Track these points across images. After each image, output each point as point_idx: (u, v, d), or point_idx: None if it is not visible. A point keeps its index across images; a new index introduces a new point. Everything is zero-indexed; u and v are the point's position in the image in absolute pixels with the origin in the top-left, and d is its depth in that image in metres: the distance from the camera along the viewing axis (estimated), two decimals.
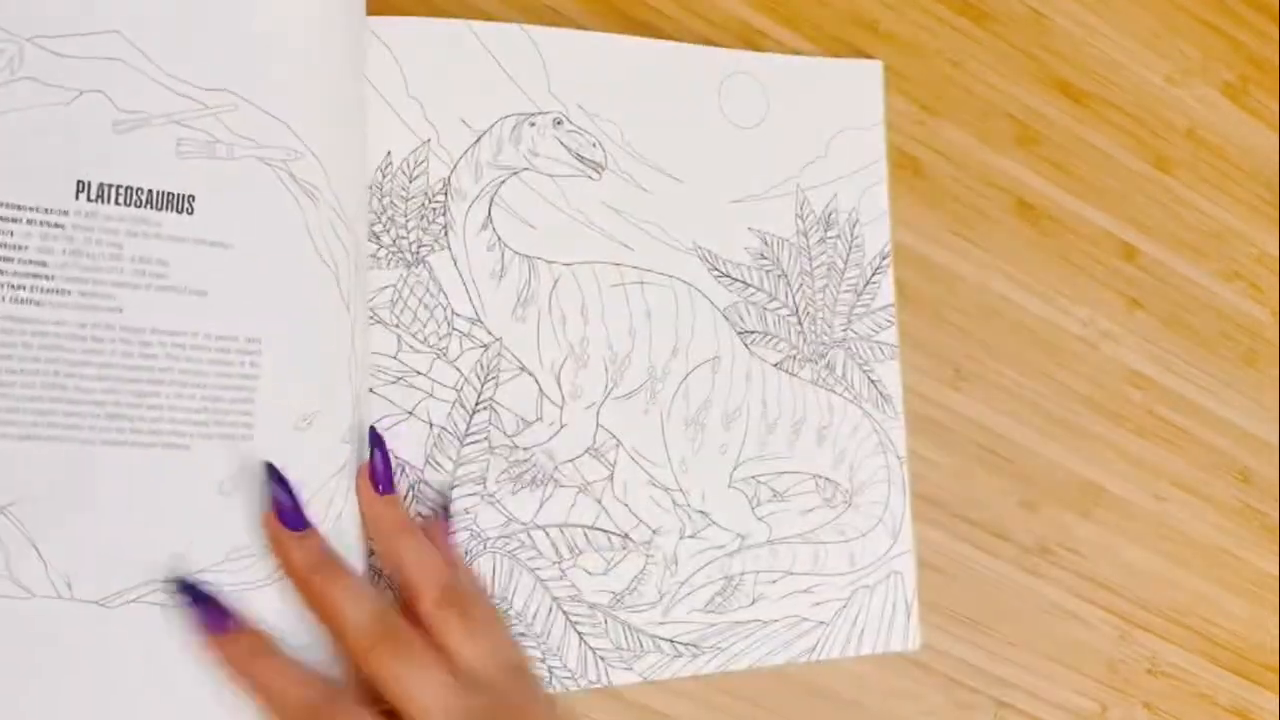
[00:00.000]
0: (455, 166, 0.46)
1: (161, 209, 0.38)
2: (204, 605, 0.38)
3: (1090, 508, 0.57)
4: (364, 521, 0.41)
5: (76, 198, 0.37)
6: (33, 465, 0.36)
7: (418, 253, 0.45)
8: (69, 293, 0.37)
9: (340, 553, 0.40)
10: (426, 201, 0.45)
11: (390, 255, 0.45)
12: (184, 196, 0.39)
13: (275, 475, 0.39)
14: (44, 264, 0.37)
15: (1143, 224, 0.60)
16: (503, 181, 0.47)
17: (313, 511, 0.40)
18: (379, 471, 0.41)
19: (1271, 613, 0.59)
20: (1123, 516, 0.57)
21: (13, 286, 0.36)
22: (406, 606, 0.40)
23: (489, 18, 0.49)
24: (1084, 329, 0.58)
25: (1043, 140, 0.58)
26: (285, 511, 0.38)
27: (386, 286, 0.44)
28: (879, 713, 0.51)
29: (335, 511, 0.40)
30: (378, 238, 0.45)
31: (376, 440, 0.41)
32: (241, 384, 0.39)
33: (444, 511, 0.44)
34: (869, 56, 0.55)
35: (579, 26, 0.50)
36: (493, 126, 0.47)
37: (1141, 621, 0.57)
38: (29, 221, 0.37)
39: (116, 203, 0.38)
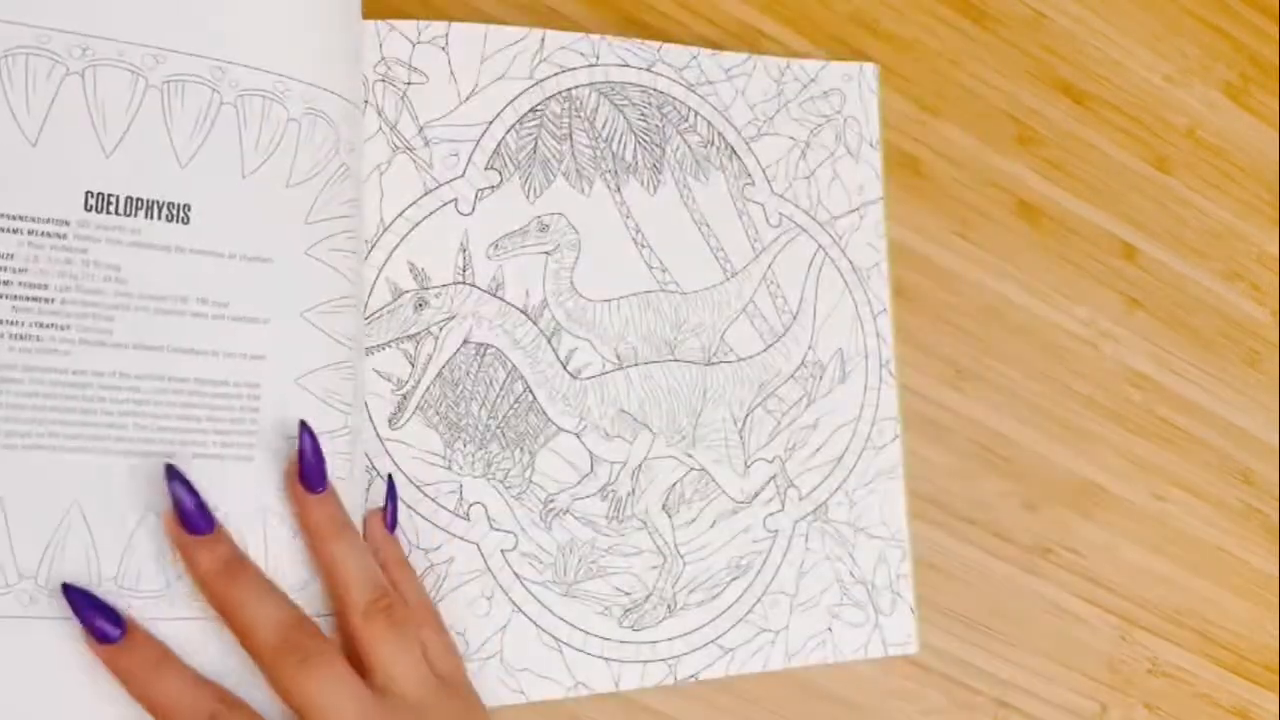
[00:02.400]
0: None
1: (157, 218, 0.38)
2: (94, 613, 0.35)
3: (1090, 508, 0.57)
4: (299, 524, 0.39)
5: (77, 208, 0.37)
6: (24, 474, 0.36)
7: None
8: (68, 302, 0.37)
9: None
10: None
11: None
12: (181, 205, 0.38)
13: (176, 475, 0.36)
14: (44, 286, 0.36)
15: (1143, 224, 0.60)
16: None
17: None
18: (309, 468, 0.38)
19: (1271, 613, 0.59)
20: (1123, 516, 0.57)
21: (12, 297, 0.36)
22: (339, 618, 0.39)
23: (489, 18, 0.49)
24: (1084, 329, 0.58)
25: (1043, 140, 0.58)
26: (189, 514, 0.36)
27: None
28: (879, 713, 0.51)
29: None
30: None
31: (306, 433, 0.38)
32: (244, 403, 0.39)
33: (388, 497, 0.43)
34: (869, 57, 0.55)
35: (579, 27, 0.50)
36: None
37: (1141, 621, 0.57)
38: (29, 233, 0.36)
39: (113, 212, 0.37)
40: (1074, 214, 0.59)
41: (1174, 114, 0.61)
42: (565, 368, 0.47)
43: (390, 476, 0.43)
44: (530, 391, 0.46)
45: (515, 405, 0.46)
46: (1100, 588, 0.56)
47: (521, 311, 0.47)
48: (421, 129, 0.46)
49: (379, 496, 0.44)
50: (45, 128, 0.37)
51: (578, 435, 0.47)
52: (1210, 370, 0.60)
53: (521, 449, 0.46)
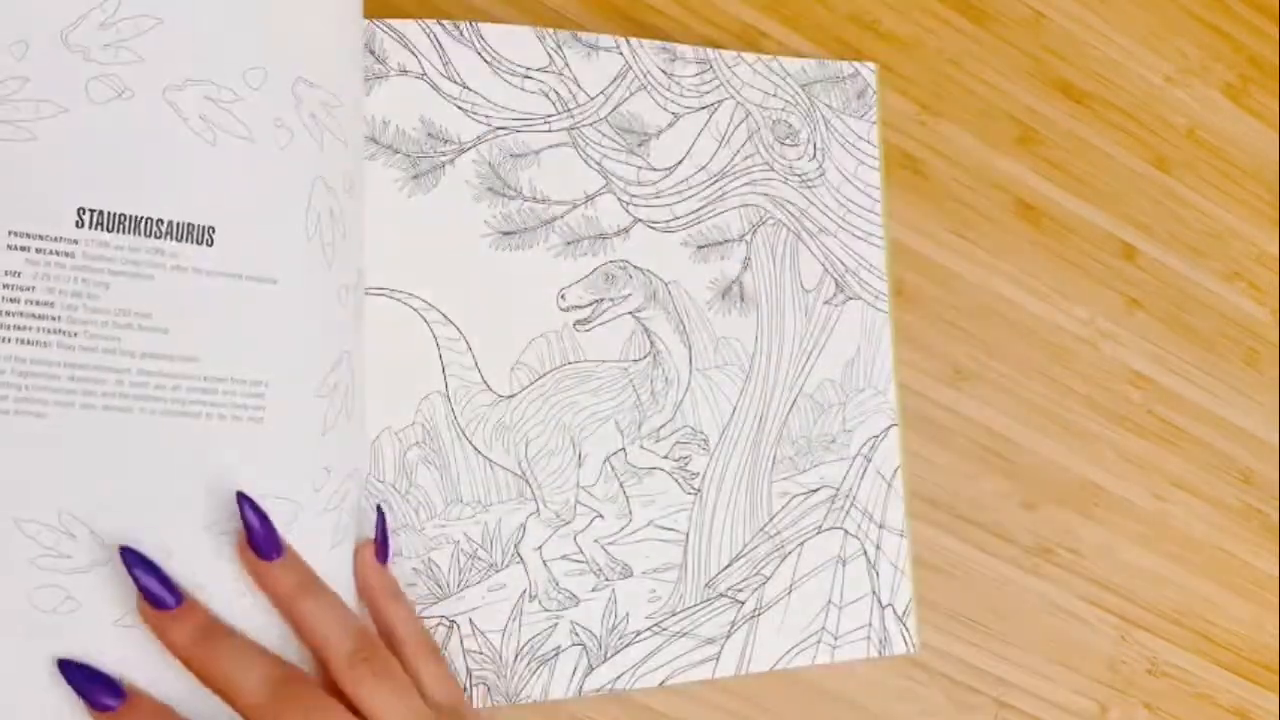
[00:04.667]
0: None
1: (169, 237, 0.38)
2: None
3: (1090, 508, 0.57)
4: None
5: (79, 226, 0.37)
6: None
7: None
8: (74, 334, 0.36)
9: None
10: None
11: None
12: (202, 226, 0.38)
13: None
14: (51, 304, 0.36)
15: (1143, 224, 0.60)
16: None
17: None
18: (261, 539, 0.37)
19: (1271, 613, 0.59)
20: (1123, 516, 0.57)
21: (19, 313, 0.36)
22: (324, 674, 0.38)
23: (489, 18, 0.49)
24: (1084, 329, 0.58)
25: (1043, 140, 0.58)
26: (150, 589, 0.36)
27: None
28: (879, 713, 0.51)
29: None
30: None
31: (246, 503, 0.37)
32: (250, 413, 0.39)
33: (378, 526, 0.42)
34: (869, 57, 0.55)
35: (579, 27, 0.50)
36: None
37: (1141, 621, 0.57)
38: (37, 250, 0.36)
39: (127, 232, 0.37)
40: (1074, 214, 0.59)
41: (1174, 114, 0.61)
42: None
43: (380, 506, 0.43)
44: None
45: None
46: (1100, 588, 0.56)
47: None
48: (420, 129, 0.46)
49: (376, 493, 0.44)
50: (51, 144, 0.37)
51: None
52: (1210, 370, 0.60)
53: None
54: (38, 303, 0.36)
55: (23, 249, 0.36)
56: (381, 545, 0.42)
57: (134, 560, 0.36)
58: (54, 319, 0.36)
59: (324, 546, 0.40)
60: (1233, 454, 0.60)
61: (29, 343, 0.36)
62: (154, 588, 0.36)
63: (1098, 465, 0.57)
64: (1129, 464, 0.58)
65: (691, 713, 0.48)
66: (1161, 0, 0.62)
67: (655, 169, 0.49)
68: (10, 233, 0.36)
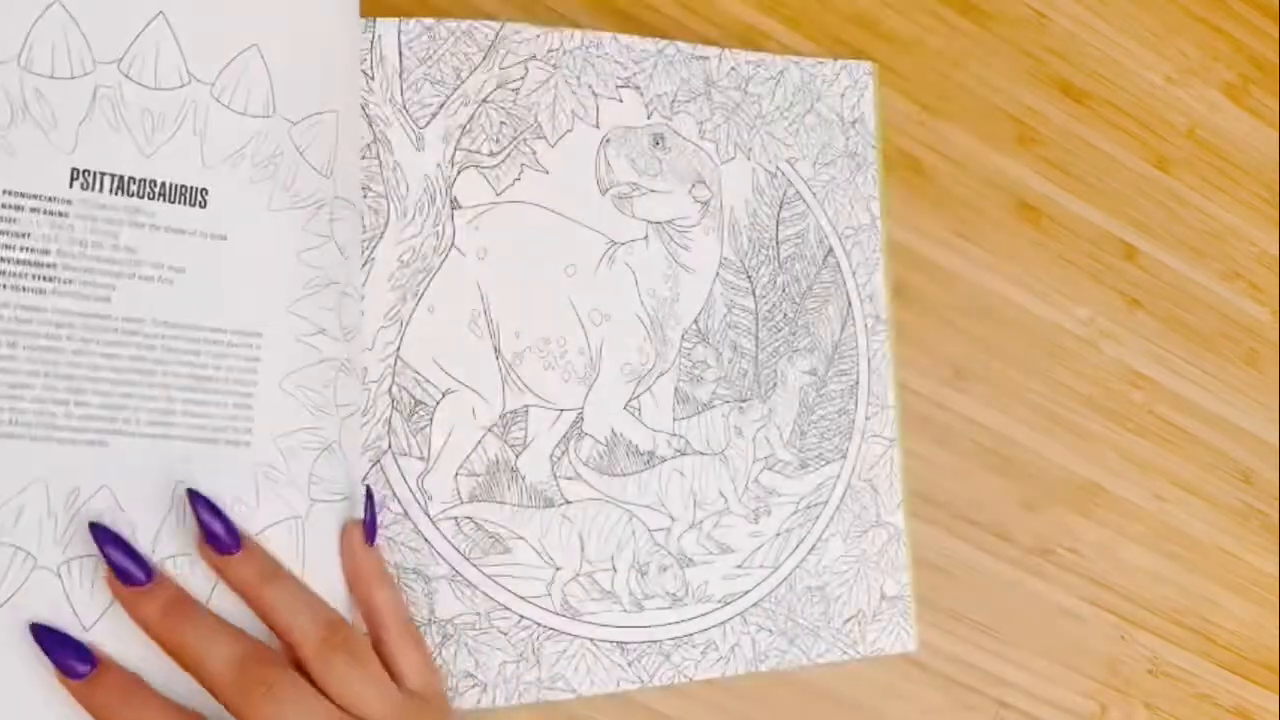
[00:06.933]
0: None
1: (174, 201, 0.38)
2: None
3: (1090, 508, 0.57)
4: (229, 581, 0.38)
5: (71, 186, 0.37)
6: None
7: None
8: (70, 281, 0.37)
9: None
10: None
11: None
12: (197, 189, 0.39)
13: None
14: (46, 251, 0.37)
15: (1143, 224, 0.60)
16: None
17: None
18: (215, 534, 0.37)
19: (1271, 613, 0.59)
20: (1123, 516, 0.57)
21: (15, 275, 0.36)
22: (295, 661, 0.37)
23: (489, 17, 0.49)
24: (1084, 329, 0.58)
25: (1043, 140, 0.58)
26: (121, 566, 0.36)
27: None
28: (878, 713, 0.51)
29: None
30: None
31: (199, 500, 0.37)
32: (241, 388, 0.39)
33: (367, 507, 0.41)
34: (869, 57, 0.55)
35: (578, 26, 0.50)
36: None
37: (1141, 621, 0.57)
38: (31, 210, 0.37)
39: (119, 192, 0.38)
40: (1074, 214, 0.59)
41: (1174, 114, 0.61)
42: None
43: (369, 487, 0.42)
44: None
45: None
46: (1100, 588, 0.56)
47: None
48: (417, 127, 0.46)
49: (377, 481, 0.44)
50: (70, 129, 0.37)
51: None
52: (1210, 370, 0.60)
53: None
54: (32, 249, 0.37)
55: (17, 208, 0.36)
56: (370, 527, 0.41)
57: (104, 536, 0.36)
58: (52, 266, 0.37)
59: (328, 546, 0.40)
60: (1233, 454, 0.60)
61: (26, 289, 0.36)
62: (123, 562, 0.36)
63: (1098, 465, 0.57)
64: (1129, 464, 0.58)
65: (692, 712, 0.48)
66: (1161, 0, 0.62)
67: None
68: (4, 191, 0.36)
